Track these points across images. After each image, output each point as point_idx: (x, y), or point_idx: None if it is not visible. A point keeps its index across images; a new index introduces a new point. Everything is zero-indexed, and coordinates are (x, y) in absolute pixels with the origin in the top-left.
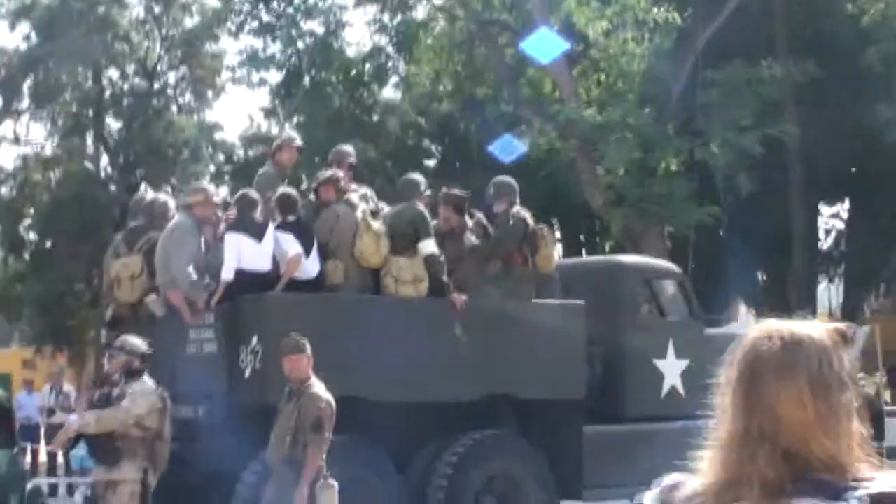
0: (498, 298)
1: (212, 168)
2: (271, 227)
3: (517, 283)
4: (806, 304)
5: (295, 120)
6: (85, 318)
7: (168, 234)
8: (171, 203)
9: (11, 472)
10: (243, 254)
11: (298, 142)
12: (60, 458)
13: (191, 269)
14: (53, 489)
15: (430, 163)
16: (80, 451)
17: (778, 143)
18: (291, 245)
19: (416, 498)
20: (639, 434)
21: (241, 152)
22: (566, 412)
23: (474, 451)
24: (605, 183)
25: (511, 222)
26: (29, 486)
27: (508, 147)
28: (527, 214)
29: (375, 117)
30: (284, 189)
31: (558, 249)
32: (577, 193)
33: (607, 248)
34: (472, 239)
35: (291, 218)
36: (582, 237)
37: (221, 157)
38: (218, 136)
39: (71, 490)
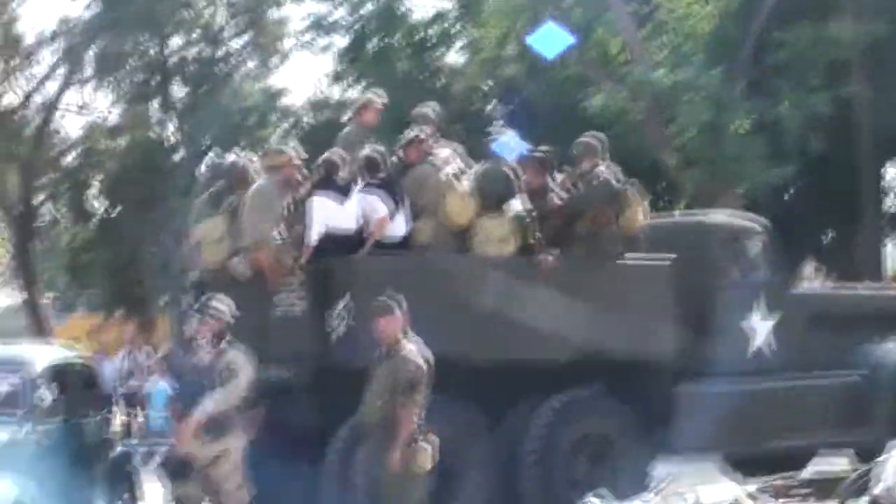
0: (586, 257)
1: (278, 134)
2: (357, 187)
3: (604, 242)
4: (872, 266)
5: (361, 84)
6: (152, 285)
7: (252, 195)
8: (251, 166)
9: (97, 438)
10: (329, 215)
11: (382, 101)
12: (135, 426)
13: (276, 230)
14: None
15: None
16: (160, 412)
17: (845, 103)
18: (379, 206)
19: (509, 457)
20: (727, 393)
21: (307, 118)
22: (656, 371)
23: (566, 410)
24: (675, 145)
25: (596, 181)
26: (116, 451)
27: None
28: (612, 174)
29: (441, 81)
30: (370, 147)
31: (645, 208)
32: (646, 155)
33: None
34: (556, 198)
35: (379, 176)
36: (650, 199)
37: (286, 123)
38: (283, 101)
39: (148, 457)
